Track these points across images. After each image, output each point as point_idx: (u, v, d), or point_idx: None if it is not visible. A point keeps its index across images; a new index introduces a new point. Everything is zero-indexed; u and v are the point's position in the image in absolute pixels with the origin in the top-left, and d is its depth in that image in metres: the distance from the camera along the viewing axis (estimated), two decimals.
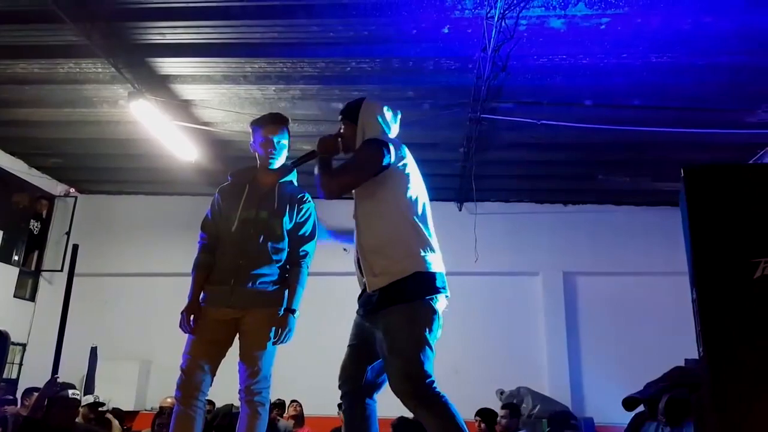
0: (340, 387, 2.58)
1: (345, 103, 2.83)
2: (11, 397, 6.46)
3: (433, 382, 2.32)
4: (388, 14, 4.78)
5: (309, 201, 3.00)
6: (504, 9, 4.49)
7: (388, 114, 2.73)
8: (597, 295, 8.45)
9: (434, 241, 2.53)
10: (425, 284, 2.41)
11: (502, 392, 7.57)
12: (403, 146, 2.65)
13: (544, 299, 8.49)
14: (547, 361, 8.21)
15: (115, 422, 5.74)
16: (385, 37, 5.10)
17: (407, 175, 2.58)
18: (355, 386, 2.52)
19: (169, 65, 5.74)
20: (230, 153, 7.35)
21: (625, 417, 3.38)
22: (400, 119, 2.81)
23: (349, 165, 2.57)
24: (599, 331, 8.26)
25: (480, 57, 5.14)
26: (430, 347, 2.37)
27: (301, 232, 2.93)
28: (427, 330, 2.36)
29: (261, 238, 2.83)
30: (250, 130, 3.01)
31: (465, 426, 2.27)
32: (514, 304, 8.56)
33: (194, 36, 5.26)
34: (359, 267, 2.54)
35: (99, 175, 8.91)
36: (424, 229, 2.51)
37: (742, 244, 1.91)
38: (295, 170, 3.05)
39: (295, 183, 3.06)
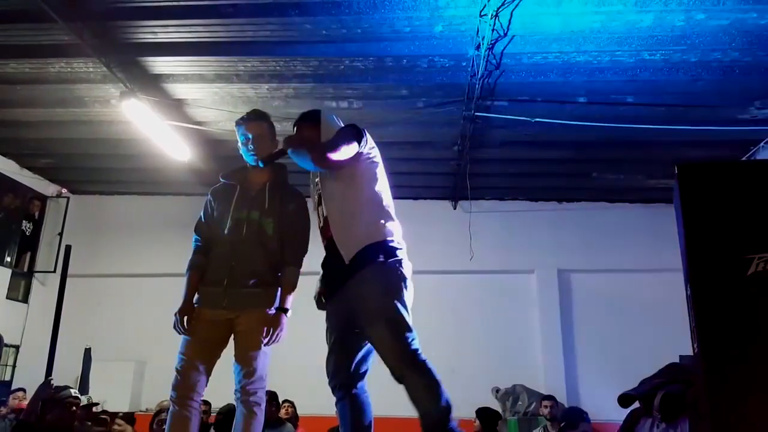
0: (329, 382, 2.61)
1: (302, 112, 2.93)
2: (5, 399, 6.44)
3: (415, 339, 2.39)
4: (381, 12, 4.76)
5: (301, 199, 2.99)
6: (498, 6, 4.49)
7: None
8: (592, 293, 8.47)
9: (398, 227, 2.64)
10: (390, 251, 2.52)
11: (498, 390, 7.60)
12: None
13: (539, 297, 8.50)
14: (543, 359, 8.22)
15: (129, 428, 5.60)
16: (379, 35, 5.08)
17: (375, 164, 2.69)
18: (344, 378, 2.56)
19: (161, 64, 5.70)
20: (223, 152, 7.31)
21: (621, 413, 3.39)
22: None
23: (339, 139, 2.59)
24: (594, 329, 8.28)
25: (474, 55, 5.14)
26: (406, 308, 2.45)
27: (292, 231, 2.92)
28: (400, 291, 2.46)
29: (253, 239, 2.83)
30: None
31: None
32: (509, 302, 8.56)
33: (186, 35, 5.23)
34: (330, 249, 2.60)
35: (91, 176, 8.86)
36: (389, 213, 2.63)
37: (735, 241, 1.92)
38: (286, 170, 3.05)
39: (287, 182, 3.05)
